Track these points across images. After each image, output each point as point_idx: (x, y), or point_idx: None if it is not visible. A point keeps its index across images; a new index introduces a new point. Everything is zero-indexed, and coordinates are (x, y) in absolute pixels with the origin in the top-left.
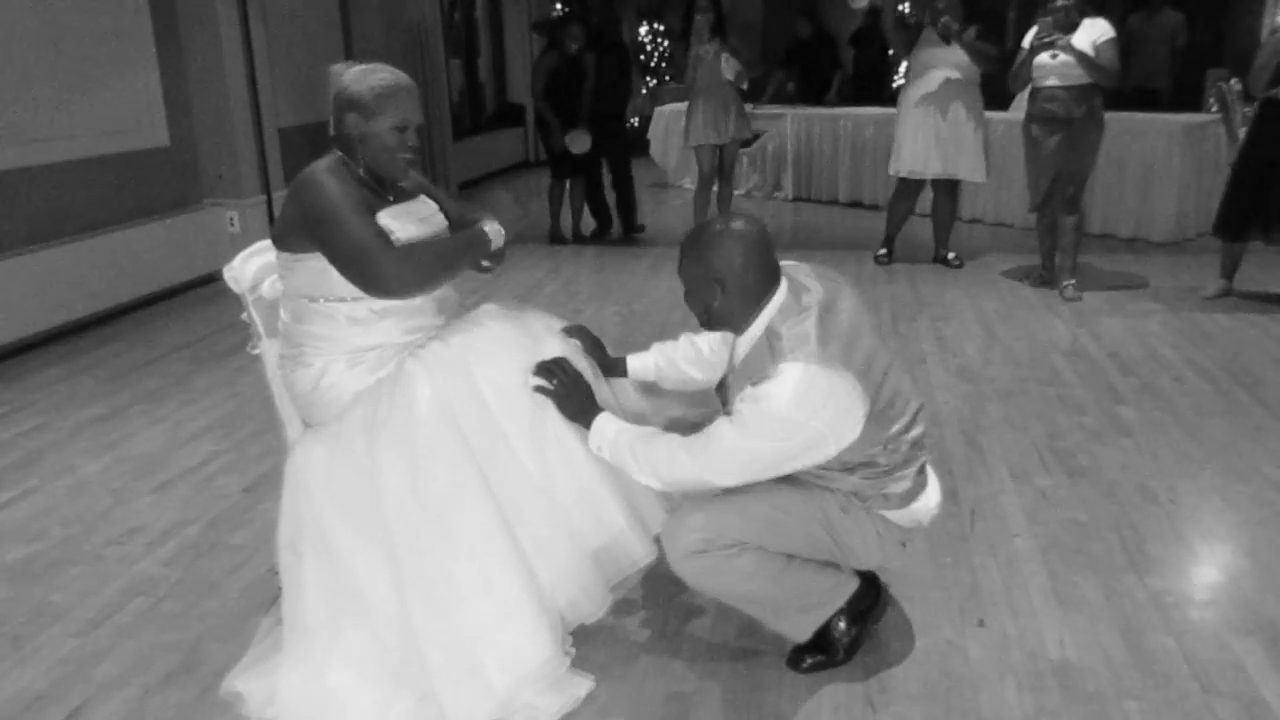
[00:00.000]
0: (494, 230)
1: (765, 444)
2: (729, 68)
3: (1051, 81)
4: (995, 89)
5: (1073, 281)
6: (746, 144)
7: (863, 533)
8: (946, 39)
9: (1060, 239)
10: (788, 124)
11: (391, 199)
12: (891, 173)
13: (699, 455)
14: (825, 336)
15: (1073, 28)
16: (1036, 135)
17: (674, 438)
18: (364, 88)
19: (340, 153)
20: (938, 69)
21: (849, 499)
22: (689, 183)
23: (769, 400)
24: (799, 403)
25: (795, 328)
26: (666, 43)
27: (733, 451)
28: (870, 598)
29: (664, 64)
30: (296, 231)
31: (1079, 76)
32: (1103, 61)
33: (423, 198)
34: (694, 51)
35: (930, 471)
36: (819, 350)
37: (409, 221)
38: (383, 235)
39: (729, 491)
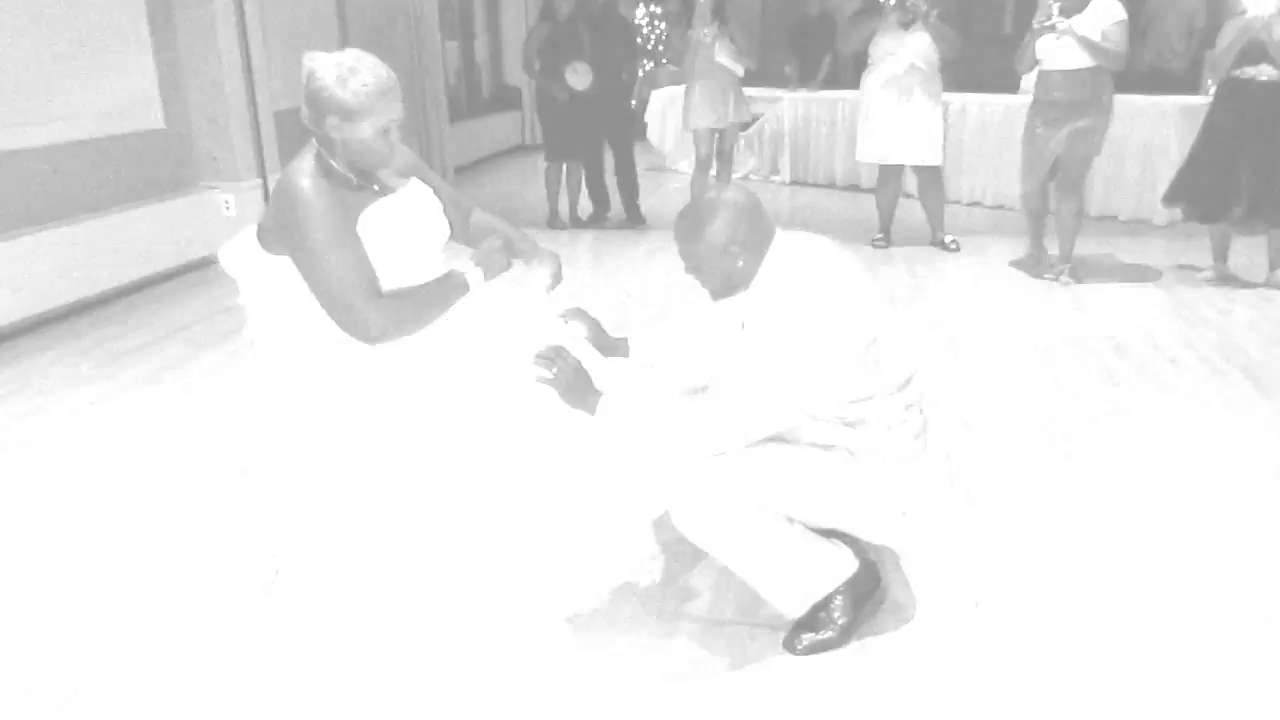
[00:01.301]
0: (475, 277)
1: (773, 350)
2: (722, 49)
3: (1056, 64)
4: (1000, 70)
5: (1068, 267)
6: (744, 127)
7: (864, 495)
8: (910, 21)
9: (1059, 225)
10: (785, 107)
11: (375, 189)
12: (857, 159)
13: (714, 402)
14: (817, 259)
15: (1081, 7)
16: (1040, 119)
17: (682, 401)
18: (346, 93)
19: (320, 147)
20: (899, 55)
21: (850, 456)
22: (685, 166)
23: (765, 302)
24: (791, 283)
25: (792, 259)
26: (664, 25)
27: (746, 376)
28: (870, 583)
29: (660, 47)
30: (279, 240)
31: (1084, 59)
32: (1108, 45)
33: (414, 182)
34: (693, 35)
35: (929, 442)
36: (808, 265)
37: (398, 214)
38: (366, 279)
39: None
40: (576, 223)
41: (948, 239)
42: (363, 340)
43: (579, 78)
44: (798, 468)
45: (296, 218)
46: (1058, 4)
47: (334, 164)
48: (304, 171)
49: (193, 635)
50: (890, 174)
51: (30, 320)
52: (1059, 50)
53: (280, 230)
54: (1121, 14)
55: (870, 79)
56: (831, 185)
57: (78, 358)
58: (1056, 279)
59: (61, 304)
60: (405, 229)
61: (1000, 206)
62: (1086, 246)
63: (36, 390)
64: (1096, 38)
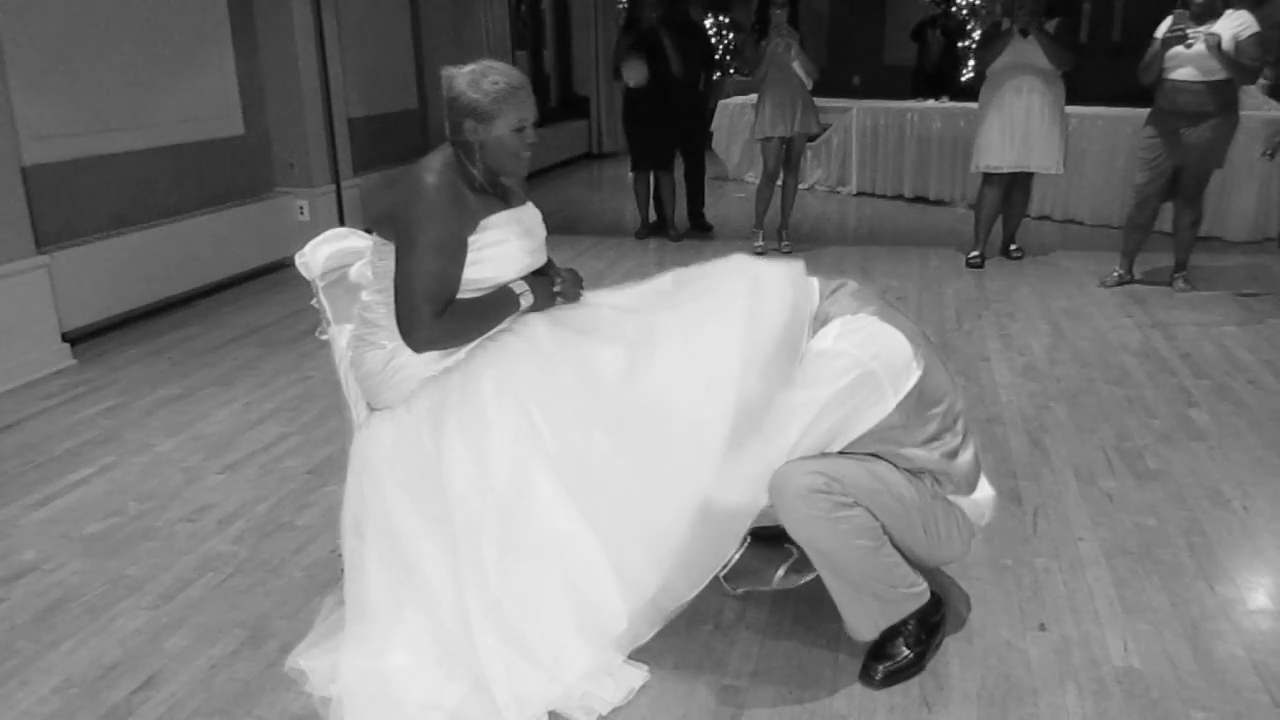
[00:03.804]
0: (527, 298)
1: (824, 388)
2: (797, 59)
3: (1186, 74)
4: (1130, 84)
5: (1184, 274)
6: (812, 139)
7: (946, 520)
8: (1026, 32)
9: (1176, 235)
10: (853, 118)
11: (499, 199)
12: (975, 169)
13: (766, 425)
14: (862, 299)
15: (1214, 16)
16: (1165, 128)
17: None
18: (479, 94)
19: (457, 151)
20: (1020, 63)
21: (935, 486)
22: (751, 176)
23: (818, 347)
24: (844, 337)
25: (832, 298)
26: (731, 34)
27: (795, 406)
28: (938, 614)
29: (728, 56)
30: (392, 225)
31: (1216, 69)
32: (1244, 58)
33: (530, 204)
34: (767, 45)
35: (982, 471)
36: (855, 305)
37: (514, 231)
38: (445, 293)
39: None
40: (676, 234)
41: (1012, 247)
42: (407, 343)
43: (632, 72)
44: (893, 493)
45: (416, 210)
46: (1189, 12)
47: (470, 168)
48: (435, 169)
49: (261, 625)
50: (998, 185)
51: (114, 319)
52: (1189, 57)
53: (396, 217)
54: (1255, 25)
55: (991, 87)
56: (899, 197)
57: (157, 356)
58: (1171, 285)
59: (143, 304)
60: (519, 246)
61: (1070, 220)
62: (1162, 260)
63: (119, 387)
64: (1228, 48)
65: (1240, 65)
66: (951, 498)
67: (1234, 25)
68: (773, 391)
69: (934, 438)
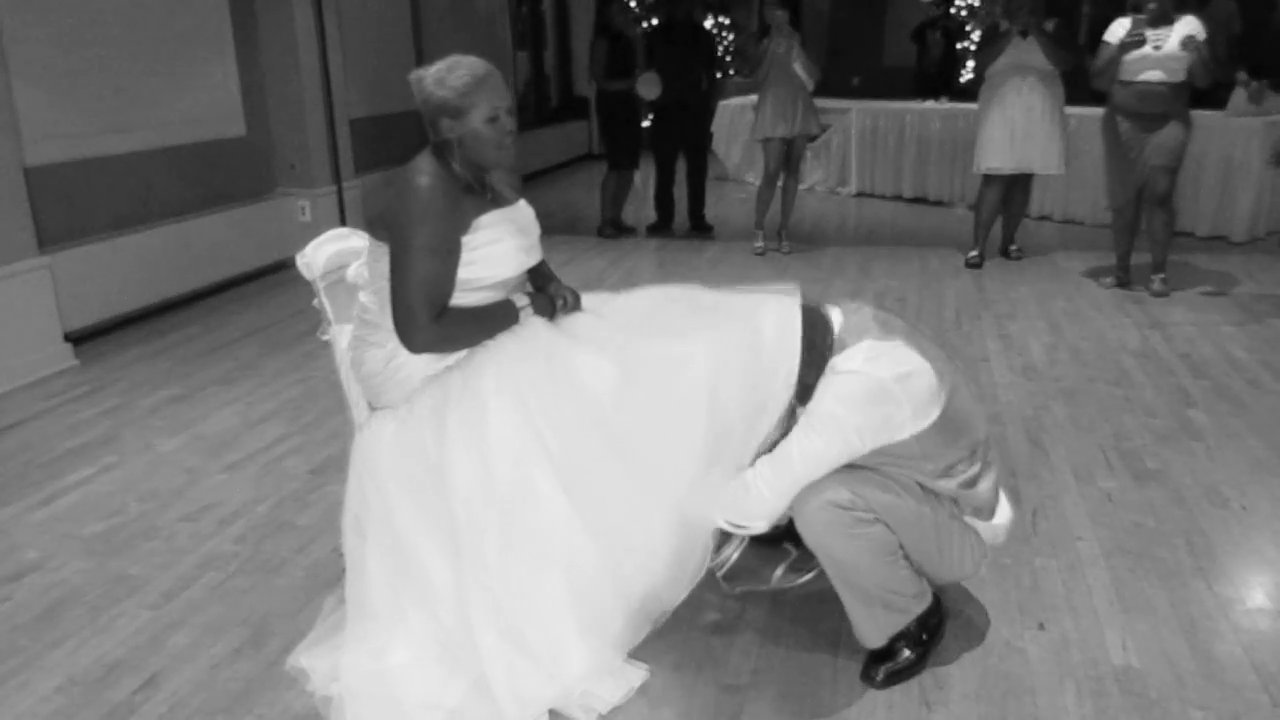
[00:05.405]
0: (526, 313)
1: (843, 410)
2: (798, 61)
3: (1154, 75)
4: (1084, 84)
5: (1162, 276)
6: (812, 139)
7: (961, 542)
8: (1025, 33)
9: (1151, 235)
10: (853, 118)
11: (490, 197)
12: (977, 170)
13: (780, 456)
14: (884, 326)
15: (1168, 22)
16: (1130, 130)
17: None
18: (447, 91)
19: (441, 152)
20: (1019, 64)
21: (953, 507)
22: (751, 177)
23: (839, 368)
24: (871, 360)
25: (854, 319)
26: (731, 35)
27: (812, 419)
28: (938, 615)
29: (727, 57)
30: (385, 227)
31: (1179, 72)
32: (1208, 61)
33: (522, 203)
34: (768, 46)
35: (1001, 493)
36: (879, 330)
37: (508, 230)
38: (439, 294)
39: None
40: (623, 230)
41: (1013, 248)
42: (404, 345)
43: (648, 87)
44: (912, 510)
45: (408, 212)
46: (1145, 16)
47: (454, 166)
48: (426, 170)
49: (263, 624)
50: (999, 185)
51: (116, 319)
52: (1155, 64)
53: (389, 220)
54: (1203, 31)
55: (991, 88)
56: (899, 197)
57: (159, 356)
58: (1147, 288)
59: (145, 304)
60: (513, 244)
61: (1069, 220)
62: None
63: (121, 387)
64: (1179, 54)
65: (1209, 67)
66: (968, 519)
67: (1188, 31)
68: (751, 407)
69: (950, 469)
